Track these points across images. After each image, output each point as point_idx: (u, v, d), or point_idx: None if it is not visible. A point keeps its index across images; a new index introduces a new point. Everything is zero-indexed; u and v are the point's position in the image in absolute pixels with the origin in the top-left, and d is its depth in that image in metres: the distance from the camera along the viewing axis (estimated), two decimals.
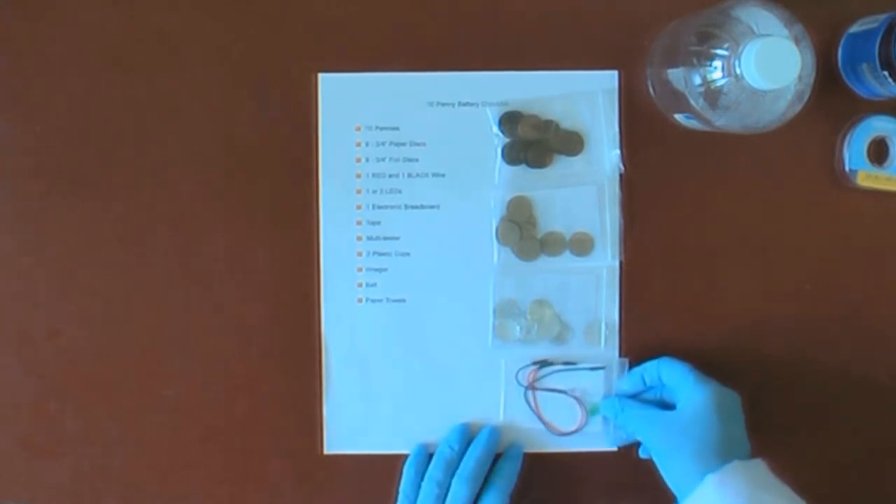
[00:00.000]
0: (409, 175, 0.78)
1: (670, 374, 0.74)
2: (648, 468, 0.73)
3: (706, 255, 0.78)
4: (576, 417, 0.78)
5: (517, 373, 0.78)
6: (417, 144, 0.78)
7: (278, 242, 0.78)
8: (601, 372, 0.77)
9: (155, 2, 0.77)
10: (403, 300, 0.78)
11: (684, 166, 0.78)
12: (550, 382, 0.78)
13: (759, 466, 0.69)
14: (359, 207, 0.78)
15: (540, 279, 0.78)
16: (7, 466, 0.78)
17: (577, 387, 0.78)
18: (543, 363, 0.78)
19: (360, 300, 0.78)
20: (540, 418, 0.78)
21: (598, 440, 0.78)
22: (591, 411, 0.77)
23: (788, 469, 0.78)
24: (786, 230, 0.78)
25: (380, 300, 0.78)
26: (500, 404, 0.78)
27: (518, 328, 0.78)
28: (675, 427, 0.71)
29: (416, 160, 0.78)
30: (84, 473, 0.78)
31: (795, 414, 0.78)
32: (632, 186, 0.77)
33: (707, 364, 0.78)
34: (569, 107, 0.77)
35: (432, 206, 0.78)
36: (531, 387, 0.78)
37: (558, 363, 0.78)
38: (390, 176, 0.78)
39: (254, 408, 0.78)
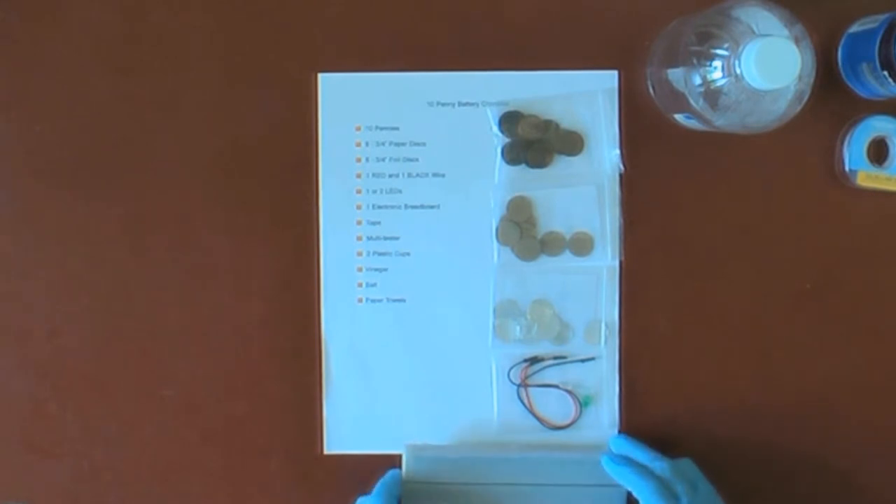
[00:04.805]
0: (409, 175, 0.78)
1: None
2: None
3: (706, 255, 0.78)
4: (569, 410, 0.78)
5: (509, 371, 0.78)
6: (417, 144, 0.78)
7: (278, 242, 0.78)
8: (591, 363, 0.77)
9: (155, 2, 0.77)
10: (403, 300, 0.78)
11: (684, 166, 0.78)
12: (542, 378, 0.78)
13: None
14: (359, 207, 0.78)
15: (540, 279, 0.78)
16: (7, 466, 0.78)
17: (568, 380, 0.78)
18: (534, 359, 0.78)
19: (360, 300, 0.78)
20: (534, 414, 0.78)
21: (592, 432, 0.78)
22: (584, 403, 0.78)
23: (786, 469, 0.78)
24: (786, 230, 0.78)
25: (380, 300, 0.78)
26: (493, 403, 0.78)
27: (518, 328, 0.78)
28: None
29: (416, 160, 0.78)
30: (84, 473, 0.78)
31: (795, 413, 0.78)
32: (632, 186, 0.77)
33: (706, 364, 0.78)
34: (569, 107, 0.77)
35: (432, 206, 0.78)
36: (523, 383, 0.78)
37: (548, 358, 0.78)
38: (390, 176, 0.78)
39: (254, 408, 0.78)
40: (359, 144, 0.78)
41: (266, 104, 0.77)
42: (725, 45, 0.67)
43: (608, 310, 0.78)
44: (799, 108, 0.68)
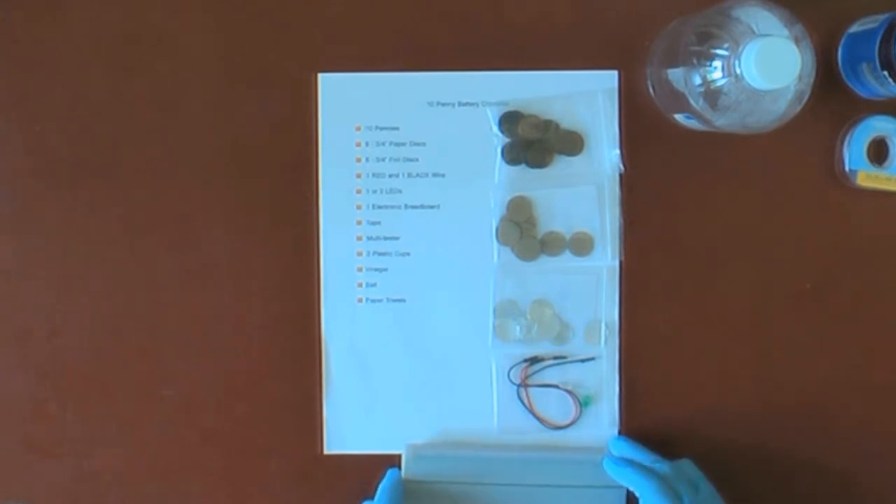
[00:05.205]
0: (409, 175, 0.78)
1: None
2: None
3: (706, 255, 0.78)
4: (569, 410, 0.78)
5: (509, 371, 0.78)
6: (417, 144, 0.78)
7: (278, 242, 0.78)
8: (591, 363, 0.77)
9: (155, 2, 0.77)
10: (403, 300, 0.78)
11: (684, 166, 0.78)
12: (542, 378, 0.78)
13: None
14: (359, 207, 0.78)
15: (540, 279, 0.78)
16: (7, 466, 0.78)
17: (568, 380, 0.78)
18: (534, 359, 0.78)
19: (360, 300, 0.78)
20: (534, 414, 0.78)
21: (592, 432, 0.78)
22: (584, 403, 0.78)
23: (786, 469, 0.78)
24: (786, 230, 0.78)
25: (380, 300, 0.78)
26: (493, 403, 0.78)
27: (518, 328, 0.78)
28: None
29: (416, 160, 0.78)
30: (84, 473, 0.78)
31: (795, 414, 0.78)
32: (632, 186, 0.77)
33: (706, 364, 0.78)
34: (569, 107, 0.77)
35: (432, 206, 0.78)
36: (523, 384, 0.78)
37: (548, 358, 0.78)
38: (390, 176, 0.78)
39: (254, 408, 0.78)
40: (359, 144, 0.78)
41: (266, 104, 0.77)
42: (725, 45, 0.67)
43: (608, 310, 0.78)
44: (799, 108, 0.68)
